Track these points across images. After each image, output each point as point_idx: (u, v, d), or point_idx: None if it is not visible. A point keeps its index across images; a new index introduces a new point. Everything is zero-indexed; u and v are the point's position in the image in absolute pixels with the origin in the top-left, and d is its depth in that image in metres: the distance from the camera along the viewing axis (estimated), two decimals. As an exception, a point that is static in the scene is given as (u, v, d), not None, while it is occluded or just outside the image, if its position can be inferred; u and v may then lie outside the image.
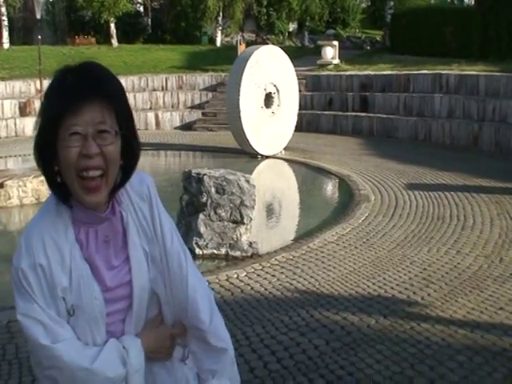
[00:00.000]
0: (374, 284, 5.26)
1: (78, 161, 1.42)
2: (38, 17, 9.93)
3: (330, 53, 19.08)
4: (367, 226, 7.10)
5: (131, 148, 1.51)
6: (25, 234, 1.48)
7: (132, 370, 1.47)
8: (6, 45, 24.02)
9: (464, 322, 4.46)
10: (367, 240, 6.58)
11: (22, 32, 29.16)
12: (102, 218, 1.51)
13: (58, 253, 1.45)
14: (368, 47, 27.39)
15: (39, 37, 11.26)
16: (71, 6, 27.43)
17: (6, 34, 24.43)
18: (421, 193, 8.74)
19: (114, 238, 1.54)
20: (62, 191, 1.48)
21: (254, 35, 31.24)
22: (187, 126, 17.62)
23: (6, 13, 24.76)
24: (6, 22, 24.66)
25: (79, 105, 1.40)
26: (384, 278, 5.40)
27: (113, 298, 1.52)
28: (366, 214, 7.60)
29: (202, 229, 6.32)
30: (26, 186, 8.73)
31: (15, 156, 13.16)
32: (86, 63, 1.49)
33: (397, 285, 5.24)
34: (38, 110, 1.53)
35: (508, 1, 16.91)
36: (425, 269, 5.63)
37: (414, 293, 5.05)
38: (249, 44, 23.03)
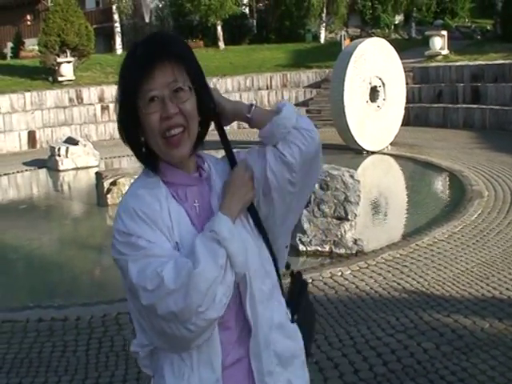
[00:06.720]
0: (487, 285, 4.97)
1: (161, 124, 1.45)
2: (147, 20, 10.15)
3: (439, 43, 18.36)
4: (480, 224, 6.72)
5: (205, 102, 1.53)
6: (120, 204, 1.53)
7: (225, 241, 1.41)
8: (119, 50, 25.21)
9: None
10: (480, 238, 6.22)
11: (133, 37, 30.47)
12: (191, 178, 1.55)
13: (155, 199, 1.48)
14: (478, 37, 26.09)
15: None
16: (179, 11, 28.32)
17: (118, 39, 25.62)
18: (539, 188, 8.19)
19: (202, 203, 1.54)
20: (149, 160, 1.52)
21: (359, 30, 30.72)
22: (291, 124, 17.61)
23: (118, 20, 25.93)
24: (118, 29, 25.85)
25: (150, 70, 1.44)
26: (499, 279, 5.09)
27: None
28: (479, 211, 7.19)
29: (306, 225, 6.23)
30: (136, 184, 9.06)
31: (127, 156, 13.74)
32: (154, 33, 1.55)
33: (513, 286, 4.92)
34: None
35: None
36: (545, 269, 5.24)
37: (532, 295, 4.71)
38: (353, 39, 22.62)
